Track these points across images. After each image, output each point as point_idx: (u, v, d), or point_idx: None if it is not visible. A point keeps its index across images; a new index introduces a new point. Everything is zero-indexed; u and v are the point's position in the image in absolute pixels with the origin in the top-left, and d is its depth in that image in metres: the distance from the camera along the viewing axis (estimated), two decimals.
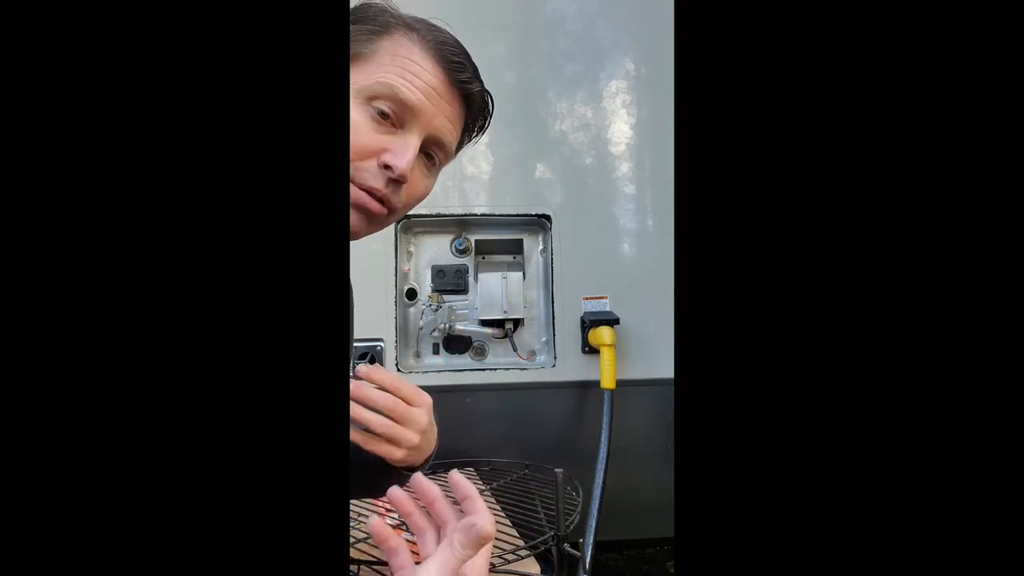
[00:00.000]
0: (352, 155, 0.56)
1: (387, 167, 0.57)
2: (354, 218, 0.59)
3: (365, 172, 0.57)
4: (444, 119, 0.60)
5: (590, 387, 1.32)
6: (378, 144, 0.57)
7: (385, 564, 0.73)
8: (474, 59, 0.62)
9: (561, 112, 1.39)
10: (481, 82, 0.63)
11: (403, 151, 0.57)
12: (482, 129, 0.66)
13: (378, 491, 0.59)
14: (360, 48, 0.57)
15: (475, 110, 0.64)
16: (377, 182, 0.57)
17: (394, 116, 0.57)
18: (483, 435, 1.31)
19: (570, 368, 1.34)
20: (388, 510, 0.99)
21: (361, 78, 0.57)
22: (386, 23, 0.58)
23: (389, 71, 0.57)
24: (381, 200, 0.58)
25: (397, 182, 0.58)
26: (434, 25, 0.61)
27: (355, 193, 0.58)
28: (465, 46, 0.61)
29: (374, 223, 0.61)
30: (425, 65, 0.58)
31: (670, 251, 1.36)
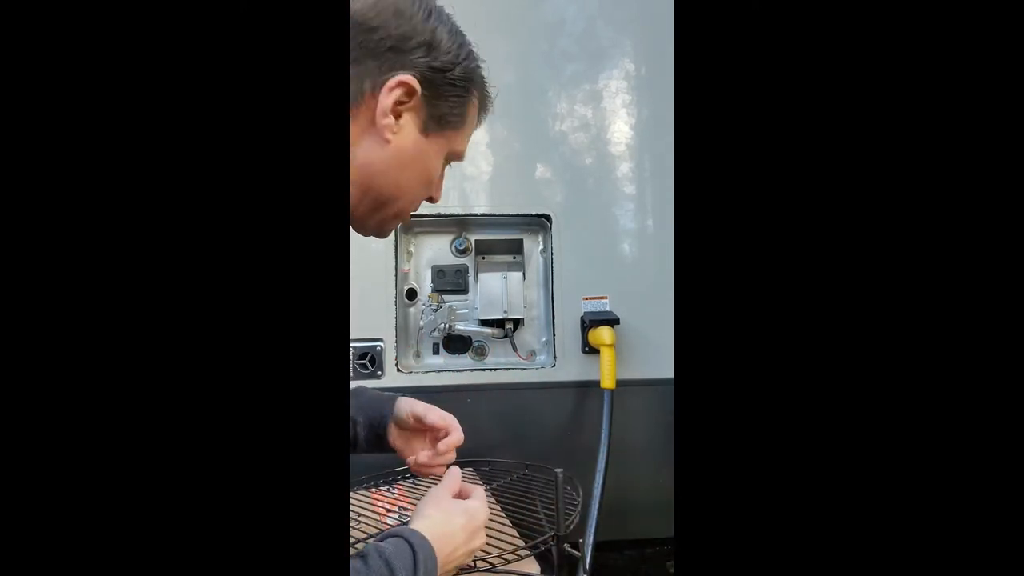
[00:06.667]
0: (426, 198, 0.64)
1: (430, 199, 0.65)
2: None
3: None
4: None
5: (590, 387, 1.32)
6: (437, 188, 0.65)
7: None
8: None
9: (561, 112, 1.39)
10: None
11: (441, 186, 0.65)
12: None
13: None
14: (452, 113, 0.60)
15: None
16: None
17: None
18: (483, 435, 1.31)
19: (570, 368, 1.33)
20: (388, 510, 0.99)
21: (454, 144, 0.62)
22: (468, 88, 0.61)
23: (466, 141, 0.64)
24: None
25: None
26: (485, 79, 0.64)
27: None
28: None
29: None
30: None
31: (670, 251, 1.36)
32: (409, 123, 0.57)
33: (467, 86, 0.60)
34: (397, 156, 0.57)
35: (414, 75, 0.55)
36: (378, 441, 0.85)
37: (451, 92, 0.58)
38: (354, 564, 0.50)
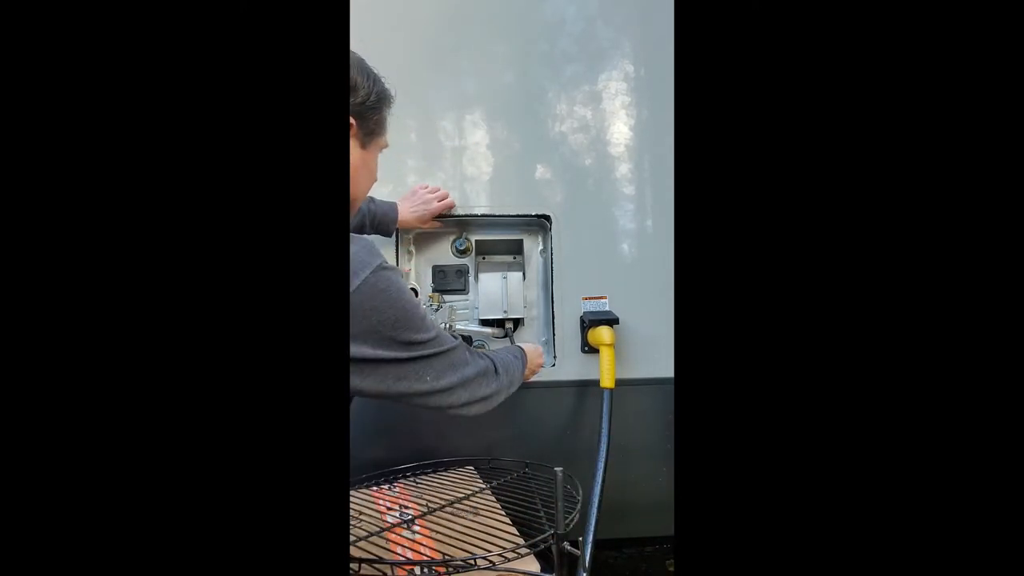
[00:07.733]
0: (371, 186, 0.84)
1: None
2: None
3: None
4: None
5: (590, 386, 1.32)
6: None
7: (383, 562, 0.74)
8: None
9: (561, 113, 1.39)
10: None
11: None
12: None
13: None
14: (376, 126, 0.80)
15: None
16: None
17: None
18: (483, 434, 1.32)
19: (570, 368, 1.34)
20: (389, 508, 0.99)
21: (381, 142, 0.83)
22: (381, 104, 0.79)
23: (387, 134, 0.85)
24: None
25: None
26: (388, 89, 0.81)
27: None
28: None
29: None
30: None
31: (670, 251, 1.36)
32: (352, 146, 0.75)
33: (380, 104, 0.77)
34: (351, 171, 0.75)
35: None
36: (385, 228, 1.23)
37: (372, 114, 0.77)
38: (508, 361, 0.91)
